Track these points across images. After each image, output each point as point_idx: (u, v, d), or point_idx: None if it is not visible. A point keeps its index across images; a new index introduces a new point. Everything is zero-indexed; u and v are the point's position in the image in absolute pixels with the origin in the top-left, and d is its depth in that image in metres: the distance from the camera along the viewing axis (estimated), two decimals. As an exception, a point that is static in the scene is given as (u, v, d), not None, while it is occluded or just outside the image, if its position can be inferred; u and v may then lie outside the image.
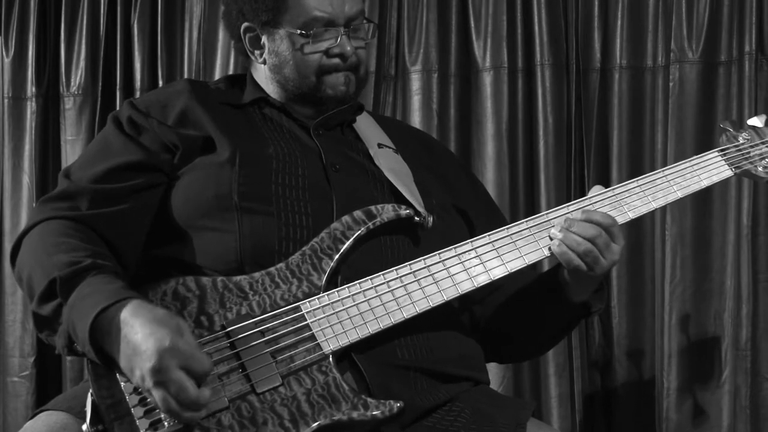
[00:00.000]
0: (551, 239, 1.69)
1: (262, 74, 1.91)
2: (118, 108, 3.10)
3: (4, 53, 3.32)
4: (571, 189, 2.94)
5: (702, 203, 2.82)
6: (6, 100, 3.30)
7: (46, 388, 3.24)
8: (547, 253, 1.70)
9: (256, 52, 1.90)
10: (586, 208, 1.72)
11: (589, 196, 1.76)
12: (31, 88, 3.28)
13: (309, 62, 1.83)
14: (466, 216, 1.90)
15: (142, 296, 1.51)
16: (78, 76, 3.27)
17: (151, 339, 1.41)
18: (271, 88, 1.90)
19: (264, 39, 1.87)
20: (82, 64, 3.27)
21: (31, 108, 3.28)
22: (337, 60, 1.83)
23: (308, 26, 1.81)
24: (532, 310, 1.83)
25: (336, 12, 1.81)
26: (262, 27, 1.86)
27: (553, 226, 1.70)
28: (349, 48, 1.82)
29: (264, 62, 1.89)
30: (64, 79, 3.28)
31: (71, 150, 3.26)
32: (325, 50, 1.82)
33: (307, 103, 1.87)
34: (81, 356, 1.53)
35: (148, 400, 1.48)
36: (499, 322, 1.87)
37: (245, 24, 1.88)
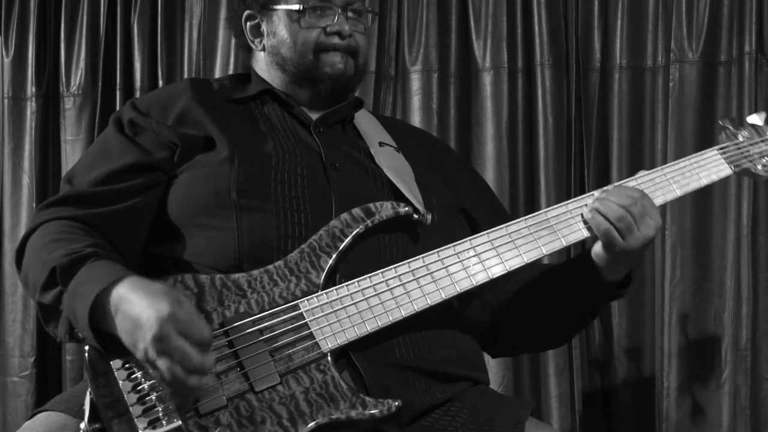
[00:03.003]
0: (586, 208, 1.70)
1: (263, 63, 1.93)
2: (118, 108, 3.13)
3: (4, 53, 3.32)
4: (571, 189, 2.95)
5: (702, 203, 2.83)
6: (6, 100, 3.30)
7: (46, 388, 3.24)
8: (545, 251, 1.70)
9: (256, 41, 1.93)
10: (617, 184, 1.74)
11: (591, 192, 1.76)
12: (31, 88, 3.28)
13: (306, 38, 1.85)
14: (468, 214, 1.90)
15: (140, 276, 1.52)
16: (78, 76, 3.27)
17: (150, 309, 1.42)
18: (271, 75, 1.92)
19: (263, 24, 1.90)
20: (82, 64, 3.27)
21: (31, 108, 3.28)
22: (335, 38, 1.85)
23: (303, 1, 1.85)
24: (558, 292, 1.82)
25: None
26: (261, 11, 1.90)
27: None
28: (347, 27, 1.85)
29: (263, 48, 1.91)
30: (64, 79, 3.28)
31: (71, 150, 3.26)
32: (323, 28, 1.85)
33: (305, 83, 1.88)
34: (82, 342, 1.53)
35: (141, 388, 1.48)
36: (515, 309, 1.86)
37: (246, 12, 1.92)
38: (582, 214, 1.71)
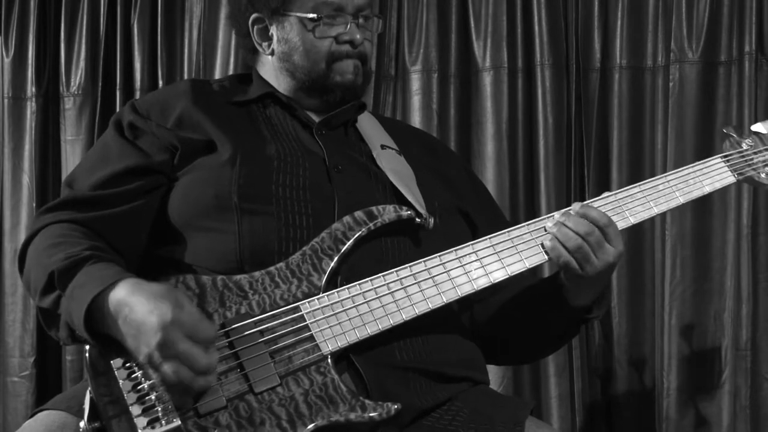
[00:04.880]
0: (546, 231, 1.69)
1: (270, 67, 1.92)
2: (118, 108, 3.13)
3: (4, 53, 3.32)
4: (571, 189, 2.95)
5: (702, 203, 2.83)
6: (6, 100, 3.31)
7: (46, 388, 3.24)
8: (547, 257, 1.69)
9: (264, 44, 1.91)
10: (585, 203, 1.71)
11: (592, 200, 1.76)
12: (31, 88, 3.28)
13: (319, 47, 1.84)
14: (469, 217, 1.90)
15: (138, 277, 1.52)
16: (78, 76, 3.27)
17: (153, 315, 1.42)
18: (278, 80, 1.91)
19: (273, 29, 1.89)
20: (82, 64, 3.27)
21: (31, 108, 3.28)
22: (347, 47, 1.85)
23: (318, 10, 1.84)
24: (531, 313, 1.82)
25: None
26: (271, 16, 1.88)
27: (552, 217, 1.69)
28: (358, 36, 1.84)
29: (272, 53, 1.90)
30: (64, 79, 3.29)
31: (71, 150, 3.26)
32: (335, 36, 1.84)
33: (315, 91, 1.88)
34: (84, 343, 1.53)
35: (141, 387, 1.48)
36: (498, 324, 1.87)
37: (254, 15, 1.90)
38: (542, 243, 1.69)
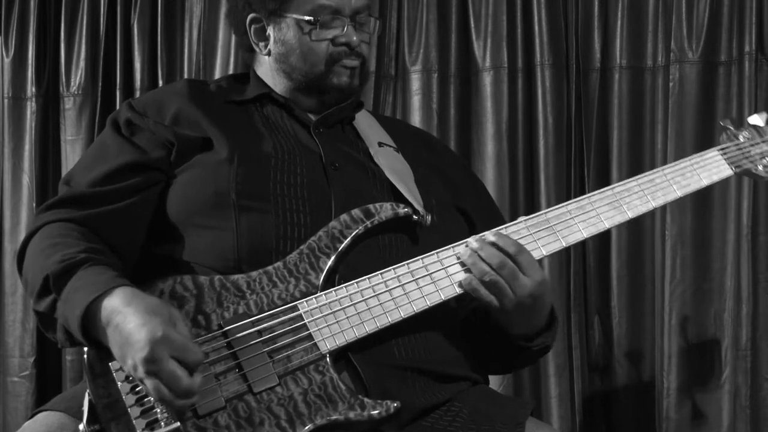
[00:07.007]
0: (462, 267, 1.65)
1: (266, 67, 1.92)
2: (117, 108, 3.13)
3: (4, 53, 3.32)
4: (571, 189, 2.95)
5: (702, 203, 2.83)
6: (6, 100, 3.31)
7: (46, 388, 3.24)
8: (545, 252, 1.69)
9: (261, 44, 1.91)
10: (499, 231, 1.67)
11: (591, 193, 1.75)
12: (31, 88, 3.28)
13: (316, 50, 1.84)
14: (467, 215, 1.90)
15: (134, 285, 1.51)
16: (78, 76, 3.27)
17: (144, 329, 1.41)
18: (275, 81, 1.91)
19: (270, 29, 1.89)
20: (82, 64, 3.27)
21: (31, 108, 3.28)
22: (343, 49, 1.85)
23: (315, 13, 1.83)
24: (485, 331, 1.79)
25: (343, 2, 1.83)
26: (268, 16, 1.88)
27: (468, 245, 1.65)
28: (355, 38, 1.84)
29: (269, 53, 1.90)
30: (64, 79, 3.29)
31: (71, 150, 3.26)
32: (331, 39, 1.84)
33: (311, 92, 1.88)
34: (83, 346, 1.53)
35: (140, 389, 1.48)
36: (471, 331, 1.83)
37: (251, 15, 1.90)
38: (460, 282, 1.64)
